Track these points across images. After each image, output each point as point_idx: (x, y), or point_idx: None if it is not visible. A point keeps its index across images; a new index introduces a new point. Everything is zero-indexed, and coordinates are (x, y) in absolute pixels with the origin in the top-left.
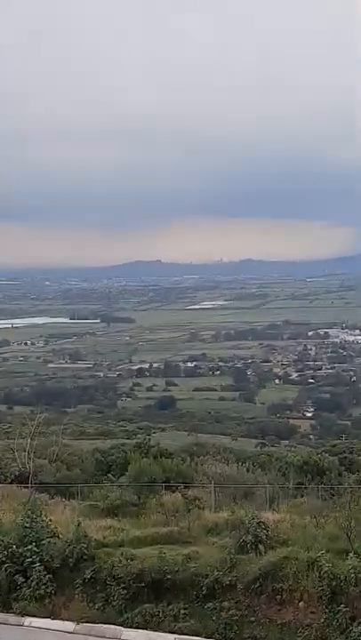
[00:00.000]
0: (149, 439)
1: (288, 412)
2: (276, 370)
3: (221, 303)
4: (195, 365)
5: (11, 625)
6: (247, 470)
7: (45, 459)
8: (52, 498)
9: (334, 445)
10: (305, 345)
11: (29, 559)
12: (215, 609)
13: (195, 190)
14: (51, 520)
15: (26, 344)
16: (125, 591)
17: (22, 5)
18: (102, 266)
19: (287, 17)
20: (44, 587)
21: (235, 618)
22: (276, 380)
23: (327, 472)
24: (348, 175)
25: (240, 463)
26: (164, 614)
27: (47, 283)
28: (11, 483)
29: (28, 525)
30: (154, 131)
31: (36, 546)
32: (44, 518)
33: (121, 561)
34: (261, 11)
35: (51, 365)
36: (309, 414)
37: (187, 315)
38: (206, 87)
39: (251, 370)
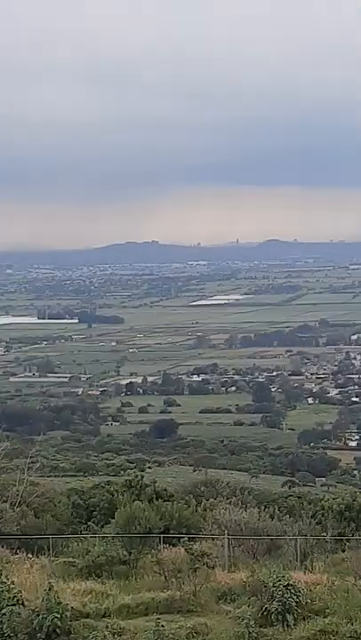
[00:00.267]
0: (143, 476)
1: (325, 440)
2: (309, 385)
3: (238, 298)
4: (202, 380)
5: None
6: (272, 517)
7: (6, 502)
8: (15, 553)
9: None
10: (347, 352)
11: None
12: None
13: (199, 148)
14: (13, 583)
15: None
16: None
17: None
18: (80, 249)
19: None
20: None
21: None
22: (310, 399)
23: None
24: None
25: (262, 508)
26: None
27: (9, 271)
28: None
29: None
30: (145, 71)
31: None
32: (5, 580)
33: (105, 636)
34: None
35: (13, 379)
36: (353, 443)
37: (192, 313)
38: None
39: (276, 385)
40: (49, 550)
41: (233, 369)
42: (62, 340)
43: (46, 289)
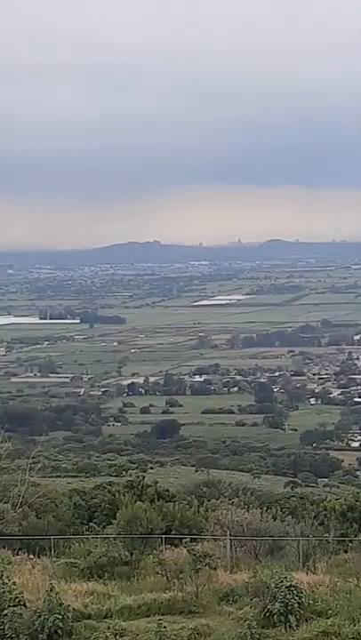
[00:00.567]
0: (145, 477)
1: (328, 441)
2: (311, 386)
3: (240, 298)
4: (204, 380)
5: None
6: (274, 518)
7: (7, 502)
8: (17, 554)
9: None
10: (350, 353)
11: None
12: None
13: (201, 147)
14: (14, 584)
15: None
16: None
17: None
18: (82, 249)
19: None
20: None
21: None
22: (312, 400)
23: None
24: None
25: (265, 509)
26: None
27: (10, 271)
28: None
29: None
30: (145, 70)
31: None
32: (6, 581)
33: (107, 637)
34: None
35: (15, 379)
36: (356, 444)
37: (194, 313)
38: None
39: (278, 386)
40: (51, 551)
41: (235, 369)
42: (64, 341)
43: (48, 289)
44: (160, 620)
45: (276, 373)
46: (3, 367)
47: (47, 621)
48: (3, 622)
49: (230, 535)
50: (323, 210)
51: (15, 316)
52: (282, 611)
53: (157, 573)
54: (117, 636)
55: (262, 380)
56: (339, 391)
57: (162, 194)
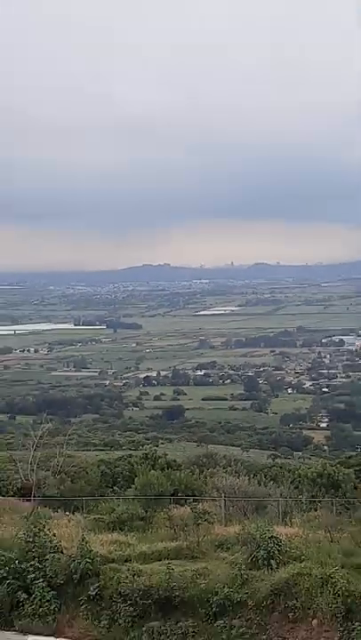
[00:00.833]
0: (157, 450)
1: (301, 422)
2: (288, 378)
3: (233, 309)
4: (204, 374)
5: None
6: (259, 483)
7: (48, 471)
8: (56, 511)
9: (350, 457)
10: (319, 352)
11: (32, 575)
12: (225, 627)
13: (206, 191)
14: (54, 534)
15: (29, 351)
16: (132, 608)
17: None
18: (107, 270)
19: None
20: (47, 604)
21: (245, 636)
22: (289, 389)
23: (342, 485)
24: None
25: (251, 475)
26: (172, 632)
27: (51, 287)
28: (12, 495)
29: (30, 540)
30: (161, 130)
31: (38, 561)
32: (48, 533)
33: (127, 577)
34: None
35: (54, 373)
36: (324, 425)
37: (196, 321)
38: (211, 85)
39: (262, 378)
40: (82, 509)
41: (228, 365)
42: (93, 342)
43: (80, 302)
44: (169, 563)
45: (261, 368)
46: (45, 363)
47: (79, 564)
48: (45, 565)
49: (224, 497)
50: (298, 239)
51: (55, 322)
52: (265, 556)
53: (167, 527)
54: (135, 576)
55: (250, 374)
56: (310, 383)
57: (171, 226)
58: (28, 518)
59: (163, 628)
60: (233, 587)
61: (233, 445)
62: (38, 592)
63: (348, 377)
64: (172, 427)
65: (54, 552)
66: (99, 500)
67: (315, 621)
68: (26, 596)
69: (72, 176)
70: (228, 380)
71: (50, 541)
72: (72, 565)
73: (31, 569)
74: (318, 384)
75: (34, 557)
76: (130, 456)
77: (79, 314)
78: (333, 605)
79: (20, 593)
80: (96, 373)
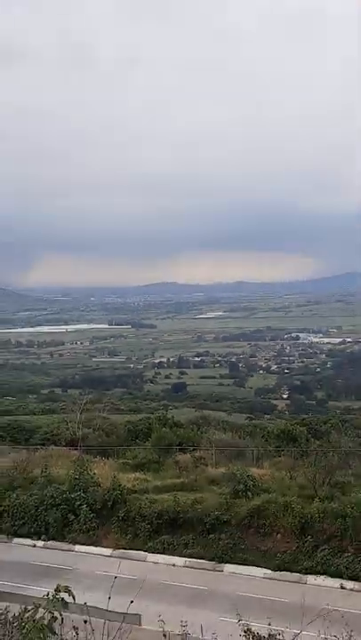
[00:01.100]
0: (167, 414)
1: (269, 394)
2: (260, 363)
3: (220, 314)
4: (200, 360)
5: (64, 550)
6: (239, 437)
7: (90, 428)
8: (95, 457)
9: (303, 419)
10: (282, 345)
11: (78, 502)
12: (215, 539)
13: (202, 229)
14: (94, 473)
15: (76, 343)
16: (149, 526)
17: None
18: (132, 285)
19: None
20: (89, 522)
21: (230, 546)
22: (261, 371)
23: (298, 439)
24: (318, 218)
25: (234, 432)
26: (177, 543)
27: (92, 298)
28: (65, 446)
29: (77, 477)
30: (173, 180)
31: (83, 492)
32: (90, 472)
33: (146, 504)
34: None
35: (94, 359)
36: (285, 396)
37: (195, 322)
38: (201, 153)
39: (242, 363)
40: (114, 455)
41: (217, 354)
42: (121, 337)
43: (113, 309)
44: (175, 494)
45: (241, 356)
46: (88, 352)
47: (112, 495)
48: (87, 495)
49: (215, 447)
50: (266, 264)
51: (95, 323)
52: (243, 489)
53: (174, 468)
54: (151, 503)
55: (233, 360)
56: (276, 366)
57: (178, 254)
58: (76, 462)
59: (171, 539)
60: (221, 510)
61: (221, 410)
62: (83, 514)
63: (303, 362)
64: (178, 397)
65: (94, 486)
66: (126, 449)
67: (279, 535)
68: (74, 517)
69: (102, 217)
70: (218, 365)
71: (91, 478)
72: (107, 495)
73: (78, 498)
74: (281, 367)
75: (80, 489)
76: (148, 418)
77: (112, 317)
78: (292, 524)
79: (69, 515)
80: (124, 359)
